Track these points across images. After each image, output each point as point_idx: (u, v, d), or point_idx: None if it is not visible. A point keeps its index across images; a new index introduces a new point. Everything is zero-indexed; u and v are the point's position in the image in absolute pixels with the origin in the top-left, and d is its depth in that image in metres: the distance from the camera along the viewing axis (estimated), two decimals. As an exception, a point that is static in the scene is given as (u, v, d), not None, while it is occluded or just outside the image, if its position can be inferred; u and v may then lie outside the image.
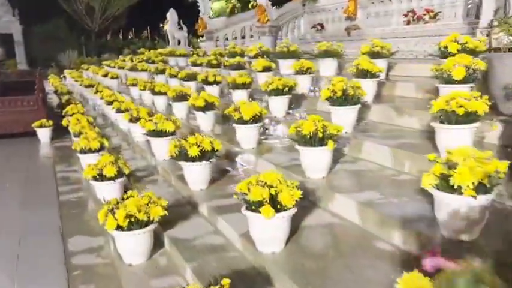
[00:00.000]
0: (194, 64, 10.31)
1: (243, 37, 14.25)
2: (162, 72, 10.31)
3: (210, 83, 7.23)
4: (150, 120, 4.84)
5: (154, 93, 7.63)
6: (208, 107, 5.49)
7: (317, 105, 5.73)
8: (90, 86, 11.63)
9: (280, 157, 4.10)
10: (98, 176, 3.98)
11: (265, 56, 7.59)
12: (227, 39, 14.06)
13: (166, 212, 2.96)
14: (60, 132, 8.19)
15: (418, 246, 2.36)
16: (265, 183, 2.46)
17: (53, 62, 26.71)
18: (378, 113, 4.63)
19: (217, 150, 3.71)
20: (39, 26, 29.82)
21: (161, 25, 49.82)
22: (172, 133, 4.85)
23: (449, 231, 2.20)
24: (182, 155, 3.66)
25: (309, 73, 6.09)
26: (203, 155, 3.64)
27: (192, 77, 8.37)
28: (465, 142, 2.89)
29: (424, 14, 7.75)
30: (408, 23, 8.13)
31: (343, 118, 4.08)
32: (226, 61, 8.23)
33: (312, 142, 3.24)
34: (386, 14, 8.94)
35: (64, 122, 7.14)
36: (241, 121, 4.38)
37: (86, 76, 18.31)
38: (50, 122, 8.06)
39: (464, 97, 2.90)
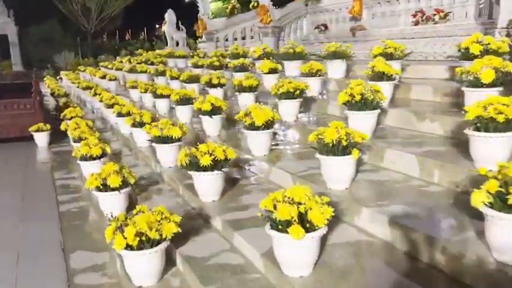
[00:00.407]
0: (195, 66, 10.06)
1: (244, 38, 14.03)
2: (162, 74, 10.06)
3: (214, 86, 6.98)
4: (155, 125, 4.58)
5: (156, 96, 7.38)
6: (215, 111, 5.25)
7: (327, 109, 5.50)
8: (88, 88, 11.36)
9: (295, 165, 3.86)
10: (101, 186, 3.73)
11: (271, 58, 7.34)
12: (227, 40, 13.82)
13: (179, 228, 2.71)
14: (58, 136, 7.92)
15: (463, 268, 2.13)
16: (293, 199, 2.22)
17: (48, 63, 26.36)
18: (395, 117, 4.39)
19: (230, 159, 3.46)
20: (34, 27, 29.48)
21: (157, 26, 49.72)
22: (179, 139, 4.61)
23: (503, 254, 1.97)
24: (193, 164, 3.41)
25: (319, 75, 5.85)
26: (215, 164, 3.40)
27: (194, 79, 8.13)
28: (505, 152, 2.66)
29: (434, 14, 7.54)
30: (417, 23, 7.92)
31: (362, 124, 3.84)
32: (230, 63, 7.97)
33: (334, 151, 3.01)
34: (393, 14, 8.72)
35: (63, 126, 6.88)
36: (253, 127, 4.14)
37: (83, 78, 18.02)
38: (48, 126, 7.79)
39: (502, 103, 2.67)
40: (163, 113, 7.49)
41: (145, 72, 11.84)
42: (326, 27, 10.49)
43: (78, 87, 12.63)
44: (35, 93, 8.02)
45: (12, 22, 28.21)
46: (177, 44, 19.12)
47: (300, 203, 2.20)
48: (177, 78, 9.25)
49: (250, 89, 6.05)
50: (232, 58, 9.17)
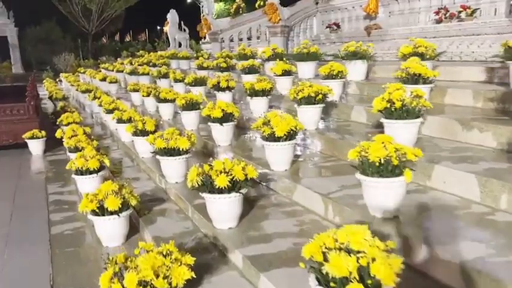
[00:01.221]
0: (200, 67, 9.53)
1: (249, 38, 13.48)
2: (165, 76, 9.53)
3: (222, 89, 6.44)
4: (159, 136, 4.03)
5: (160, 100, 6.83)
6: (226, 118, 4.71)
7: (351, 115, 4.96)
8: (87, 91, 10.82)
9: (324, 183, 3.30)
10: (98, 210, 3.18)
11: (284, 59, 6.79)
12: (232, 40, 13.28)
13: (193, 273, 2.15)
14: (54, 142, 7.37)
15: None
16: (348, 246, 1.66)
17: (48, 65, 25.86)
18: (435, 126, 3.83)
19: (250, 178, 2.90)
20: (34, 28, 28.98)
21: (158, 28, 49.20)
22: (187, 151, 4.05)
23: None
24: (207, 185, 2.86)
25: (340, 77, 5.30)
26: (233, 185, 2.84)
27: (200, 82, 7.58)
28: None
29: (459, 12, 6.97)
30: (440, 21, 7.35)
31: (402, 134, 3.28)
32: (237, 64, 7.42)
33: (381, 171, 2.45)
34: (412, 12, 8.16)
35: (58, 134, 6.34)
36: (273, 138, 3.59)
37: (83, 80, 17.51)
38: (43, 133, 7.24)
39: None
40: (168, 119, 6.95)
41: (147, 74, 11.32)
42: (338, 26, 9.93)
43: (77, 90, 12.09)
44: (29, 97, 7.47)
45: (12, 23, 27.72)
46: (180, 45, 18.60)
47: (358, 252, 1.64)
48: (181, 81, 8.71)
49: (264, 92, 5.50)
50: (239, 59, 8.65)
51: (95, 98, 9.20)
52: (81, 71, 19.07)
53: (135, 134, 5.08)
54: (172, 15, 18.50)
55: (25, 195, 5.22)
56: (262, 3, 13.69)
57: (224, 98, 6.52)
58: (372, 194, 2.56)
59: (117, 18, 35.52)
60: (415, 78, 4.04)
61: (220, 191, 2.83)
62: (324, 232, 1.77)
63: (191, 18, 21.37)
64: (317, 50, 6.95)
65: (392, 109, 3.27)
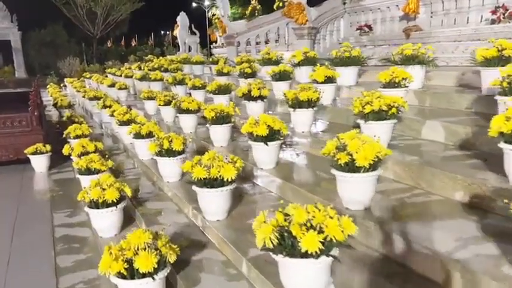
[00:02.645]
0: (220, 73, 8.69)
1: (266, 42, 12.65)
2: (181, 82, 8.70)
3: (254, 98, 5.60)
4: (197, 162, 3.16)
5: (181, 110, 5.97)
6: (272, 136, 3.85)
7: (421, 132, 4.09)
8: (95, 98, 9.98)
9: (427, 231, 2.42)
10: (125, 272, 2.31)
11: (327, 63, 5.94)
12: (248, 44, 12.45)
13: None
14: (60, 157, 6.53)
15: None
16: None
17: (52, 69, 25.08)
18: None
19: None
20: (38, 32, 28.25)
21: (162, 32, 48.48)
22: (231, 181, 3.18)
23: None
24: (285, 246, 1.99)
25: (403, 86, 4.43)
26: (324, 245, 1.97)
27: (224, 90, 6.74)
28: None
29: (523, 10, 6.12)
30: (497, 21, 6.49)
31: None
32: (268, 70, 6.56)
33: None
34: (460, 11, 7.31)
35: (65, 150, 5.49)
36: (351, 167, 2.72)
37: (88, 85, 16.71)
38: (48, 147, 6.38)
39: None
40: (189, 132, 6.11)
41: (160, 80, 10.49)
42: (370, 28, 9.09)
43: (84, 96, 11.25)
44: (33, 107, 6.62)
45: (15, 27, 27.07)
46: (190, 49, 17.81)
47: None
48: (201, 88, 7.88)
49: (309, 103, 4.65)
50: (263, 64, 7.81)
51: (104, 106, 8.35)
52: (87, 76, 18.27)
53: (159, 154, 4.22)
54: (182, 18, 17.72)
55: (26, 229, 4.35)
56: (281, 4, 12.87)
57: (255, 108, 5.70)
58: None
59: (122, 22, 34.81)
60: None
61: (305, 254, 1.96)
62: None
63: (196, 22, 20.55)
64: (359, 54, 6.12)
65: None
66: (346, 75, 6.04)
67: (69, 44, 30.81)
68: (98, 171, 4.51)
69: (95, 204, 3.48)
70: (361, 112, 3.63)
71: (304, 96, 4.58)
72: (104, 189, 3.46)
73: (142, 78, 11.69)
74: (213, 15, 26.19)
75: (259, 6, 14.22)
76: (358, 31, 9.32)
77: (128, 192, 3.59)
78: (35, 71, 26.80)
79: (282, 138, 3.95)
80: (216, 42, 18.25)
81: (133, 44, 43.41)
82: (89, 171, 4.49)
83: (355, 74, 6.14)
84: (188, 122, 6.08)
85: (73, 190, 5.38)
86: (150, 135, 5.25)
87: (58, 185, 5.73)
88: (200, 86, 7.90)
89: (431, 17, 7.82)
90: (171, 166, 4.23)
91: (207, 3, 37.08)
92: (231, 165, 3.14)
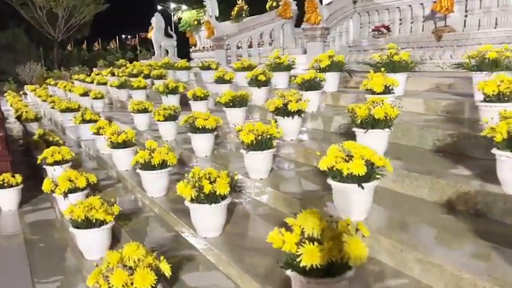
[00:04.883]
0: (221, 80, 7.44)
1: (259, 45, 11.51)
2: (174, 91, 7.40)
3: (290, 114, 4.44)
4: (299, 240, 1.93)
5: (195, 129, 4.70)
6: (370, 174, 2.67)
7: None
8: (69, 110, 8.47)
9: None
10: None
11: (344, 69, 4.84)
12: (239, 47, 11.25)
13: None
14: (31, 185, 5.12)
15: None
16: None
17: (9, 75, 22.83)
18: None
19: None
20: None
21: (123, 36, 46.32)
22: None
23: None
24: None
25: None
26: None
27: (240, 102, 5.54)
28: None
29: None
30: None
31: None
32: (297, 78, 5.39)
33: None
34: (504, 9, 6.39)
35: (46, 187, 4.09)
36: None
37: (52, 92, 14.96)
38: (18, 178, 4.90)
39: None
40: (204, 155, 4.86)
41: (143, 88, 9.12)
42: (388, 29, 8.09)
43: (53, 107, 9.67)
44: (-3, 125, 5.15)
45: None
46: (167, 52, 16.38)
47: None
48: (203, 99, 6.63)
49: (386, 123, 3.50)
50: (273, 70, 6.68)
51: (84, 121, 6.92)
52: (51, 83, 16.48)
53: (197, 199, 2.93)
54: (157, 19, 16.27)
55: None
56: (274, 3, 11.74)
57: (291, 126, 4.54)
58: None
59: (85, 25, 32.72)
60: None
61: None
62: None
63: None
64: (408, 58, 5.09)
65: None
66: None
67: (29, 48, 28.46)
68: (101, 223, 3.18)
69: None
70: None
71: (381, 113, 3.43)
72: (131, 272, 2.17)
73: (121, 86, 10.26)
74: (179, 19, 24.80)
75: (247, 6, 13.01)
76: (373, 33, 8.30)
77: (167, 270, 2.31)
78: (-10, 77, 24.45)
79: (379, 176, 2.77)
80: (195, 45, 16.90)
81: (96, 48, 41.17)
82: (88, 223, 3.15)
83: (403, 81, 5.11)
84: (204, 144, 4.81)
85: (59, 240, 4.01)
86: (164, 165, 3.96)
87: (35, 230, 4.29)
88: (202, 95, 6.65)
89: (466, 16, 6.90)
90: (213, 216, 2.97)
91: (172, 6, 35.65)
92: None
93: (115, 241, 3.49)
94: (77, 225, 3.19)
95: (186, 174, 3.06)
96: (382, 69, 4.70)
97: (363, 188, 2.61)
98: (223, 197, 2.98)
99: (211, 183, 2.91)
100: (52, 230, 4.26)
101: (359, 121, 3.55)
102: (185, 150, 5.22)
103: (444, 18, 7.15)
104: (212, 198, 2.90)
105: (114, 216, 3.26)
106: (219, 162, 4.66)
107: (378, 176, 2.68)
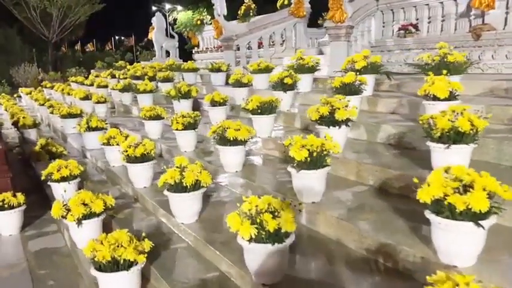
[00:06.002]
0: (238, 84, 6.84)
1: (270, 45, 10.88)
2: (186, 96, 6.81)
3: (337, 123, 3.86)
4: None
5: (224, 140, 4.09)
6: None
7: None
8: (70, 115, 7.82)
9: None
10: None
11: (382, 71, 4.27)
12: (249, 48, 10.63)
13: None
14: (31, 202, 4.48)
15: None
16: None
17: (2, 78, 22.01)
18: None
19: None
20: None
21: (117, 38, 45.39)
22: None
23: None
24: None
25: None
26: None
27: (269, 108, 4.94)
28: None
29: None
30: None
31: None
32: (334, 81, 4.78)
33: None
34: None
35: (55, 212, 3.44)
36: None
37: (48, 96, 14.28)
38: (20, 198, 4.24)
39: None
40: (235, 171, 4.23)
41: (150, 91, 8.50)
42: (416, 28, 7.51)
43: (52, 112, 9.01)
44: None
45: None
46: (168, 53, 15.75)
47: None
48: (222, 104, 6.01)
49: (472, 136, 2.91)
50: (297, 72, 6.10)
51: (89, 128, 6.28)
52: (47, 86, 15.78)
53: (256, 239, 2.31)
54: (158, 20, 15.68)
55: None
56: (286, 2, 11.14)
57: (337, 136, 3.92)
58: None
59: (79, 26, 31.89)
60: None
61: None
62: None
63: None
64: (463, 59, 4.52)
65: None
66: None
67: (23, 50, 27.62)
68: (129, 265, 2.55)
69: None
70: None
71: (467, 125, 2.83)
72: None
73: (125, 89, 9.62)
74: (174, 20, 24.11)
75: (254, 5, 12.39)
76: (399, 32, 7.72)
77: None
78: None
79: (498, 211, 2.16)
80: (198, 46, 16.26)
81: (91, 49, 40.36)
82: (115, 265, 2.52)
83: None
84: (234, 157, 4.20)
85: (72, 276, 3.38)
86: (197, 186, 3.33)
87: (42, 263, 3.64)
88: (221, 101, 6.03)
89: (507, 13, 6.34)
90: (274, 258, 2.35)
91: (167, 7, 34.95)
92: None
93: (144, 281, 2.86)
94: (101, 268, 2.56)
95: (238, 205, 2.44)
96: (430, 72, 4.11)
97: (483, 228, 2.01)
98: (287, 235, 2.37)
99: (274, 217, 2.30)
100: (62, 263, 3.63)
101: (438, 134, 2.95)
102: (210, 164, 4.59)
103: (482, 16, 6.58)
104: (277, 237, 2.28)
105: (146, 256, 2.63)
106: (252, 178, 4.05)
107: (496, 211, 2.09)
